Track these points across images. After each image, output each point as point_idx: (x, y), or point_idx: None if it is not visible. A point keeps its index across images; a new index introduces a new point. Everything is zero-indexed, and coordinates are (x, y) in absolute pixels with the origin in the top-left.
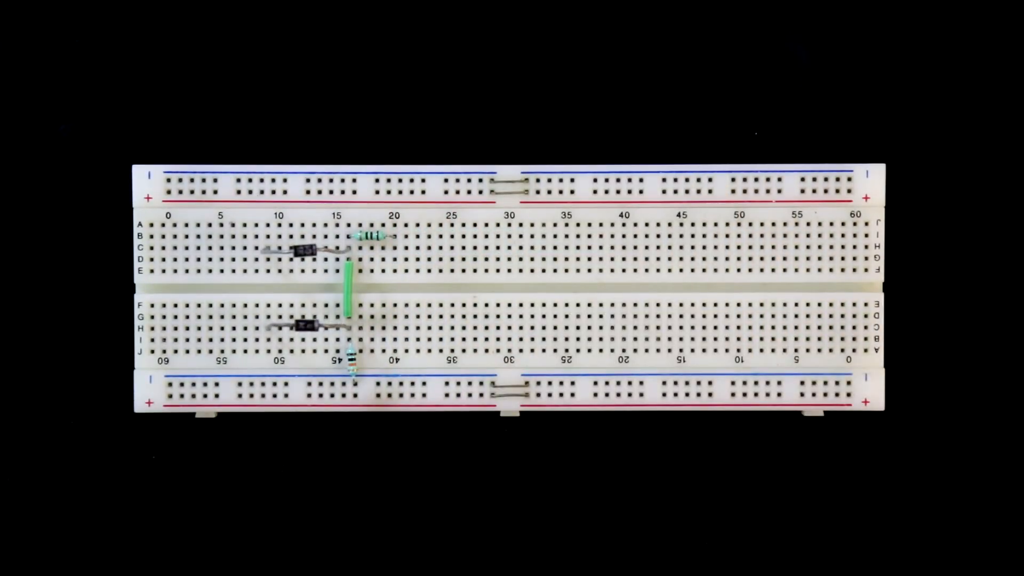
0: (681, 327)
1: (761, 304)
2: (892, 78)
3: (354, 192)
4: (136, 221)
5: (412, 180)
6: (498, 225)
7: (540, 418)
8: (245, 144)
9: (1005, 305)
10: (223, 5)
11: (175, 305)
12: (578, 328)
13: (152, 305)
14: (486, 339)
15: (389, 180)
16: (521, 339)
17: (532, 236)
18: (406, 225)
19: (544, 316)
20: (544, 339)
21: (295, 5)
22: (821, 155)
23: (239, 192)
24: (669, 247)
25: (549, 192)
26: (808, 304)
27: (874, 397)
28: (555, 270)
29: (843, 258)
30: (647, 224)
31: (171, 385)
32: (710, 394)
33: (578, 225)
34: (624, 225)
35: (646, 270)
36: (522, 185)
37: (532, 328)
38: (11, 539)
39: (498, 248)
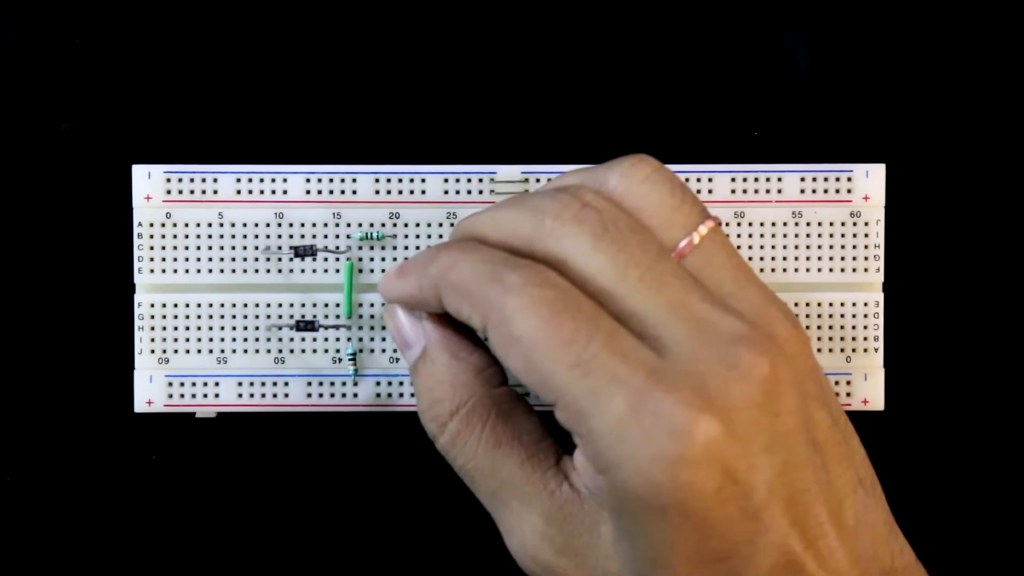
0: None
1: None
2: (892, 78)
3: (354, 192)
4: (136, 221)
5: (412, 180)
6: None
7: (539, 418)
8: (245, 144)
9: (1005, 305)
10: (223, 6)
11: (175, 305)
12: None
13: (152, 305)
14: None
15: (389, 180)
16: None
17: None
18: (406, 225)
19: None
20: None
21: (295, 5)
22: (821, 155)
23: (239, 192)
24: None
25: None
26: (808, 304)
27: (874, 397)
28: None
29: (843, 258)
30: None
31: (171, 385)
32: None
33: None
34: None
35: None
36: (522, 185)
37: None
38: (11, 539)
39: None
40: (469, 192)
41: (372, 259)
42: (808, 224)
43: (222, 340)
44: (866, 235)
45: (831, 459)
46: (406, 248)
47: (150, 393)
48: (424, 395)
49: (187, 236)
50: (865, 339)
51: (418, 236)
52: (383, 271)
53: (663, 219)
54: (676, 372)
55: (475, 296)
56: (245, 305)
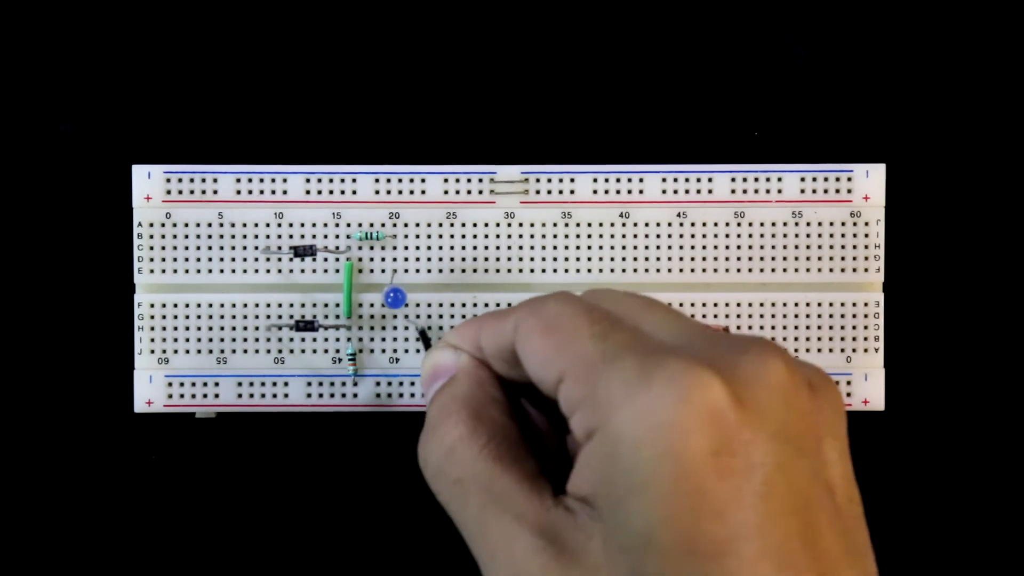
0: None
1: (761, 304)
2: (892, 78)
3: (354, 192)
4: (136, 221)
5: (412, 180)
6: (498, 225)
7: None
8: (245, 144)
9: (1005, 305)
10: (222, 6)
11: (175, 305)
12: None
13: (152, 305)
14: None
15: (389, 180)
16: None
17: (532, 236)
18: (406, 225)
19: None
20: None
21: (295, 5)
22: (821, 155)
23: (239, 192)
24: (669, 247)
25: (549, 192)
26: (808, 304)
27: (874, 397)
28: (555, 270)
29: (843, 258)
30: (647, 224)
31: (171, 385)
32: None
33: (578, 225)
34: (624, 225)
35: (646, 270)
36: (522, 185)
37: None
38: (11, 539)
39: (498, 248)
40: (469, 192)
41: (372, 259)
42: (808, 224)
43: (222, 340)
44: (866, 235)
45: (848, 519)
46: (406, 248)
47: (150, 393)
48: (437, 411)
49: (187, 236)
50: (865, 339)
51: (418, 236)
52: (383, 271)
53: None
54: (690, 349)
55: (519, 309)
56: (245, 305)
